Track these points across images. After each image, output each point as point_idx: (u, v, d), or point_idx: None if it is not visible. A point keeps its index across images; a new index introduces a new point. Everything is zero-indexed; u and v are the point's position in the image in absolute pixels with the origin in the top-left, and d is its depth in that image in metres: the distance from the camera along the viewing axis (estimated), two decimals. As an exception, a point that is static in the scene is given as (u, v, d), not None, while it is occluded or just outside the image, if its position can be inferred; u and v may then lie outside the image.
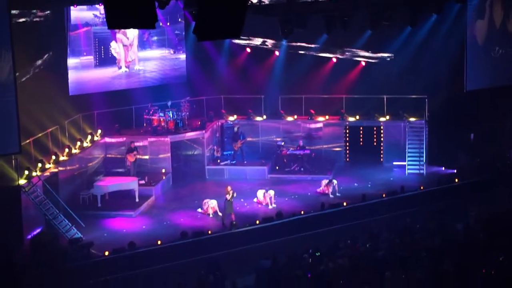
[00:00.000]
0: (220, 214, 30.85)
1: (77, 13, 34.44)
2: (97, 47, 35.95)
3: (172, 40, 38.91)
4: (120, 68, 37.01)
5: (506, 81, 37.77)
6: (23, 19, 31.40)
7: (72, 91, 34.79)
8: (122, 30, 35.83)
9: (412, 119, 37.61)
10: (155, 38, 38.27)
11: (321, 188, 33.70)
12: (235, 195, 30.54)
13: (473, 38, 36.36)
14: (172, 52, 39.00)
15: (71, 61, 34.71)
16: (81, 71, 35.32)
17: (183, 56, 39.30)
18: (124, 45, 36.98)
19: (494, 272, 21.55)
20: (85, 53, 35.41)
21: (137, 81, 37.97)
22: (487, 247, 24.08)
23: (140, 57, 37.83)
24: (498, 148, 36.19)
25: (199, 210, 31.60)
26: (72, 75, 34.76)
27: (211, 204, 31.11)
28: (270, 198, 31.98)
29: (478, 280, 21.00)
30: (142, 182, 33.62)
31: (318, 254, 25.28)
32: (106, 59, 36.48)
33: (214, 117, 39.06)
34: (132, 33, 37.06)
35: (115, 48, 36.63)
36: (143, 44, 37.93)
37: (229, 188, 30.43)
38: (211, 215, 30.97)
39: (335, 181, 33.52)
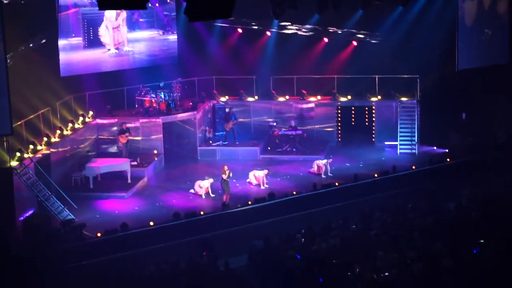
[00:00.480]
0: (212, 195, 30.88)
1: (67, -6, 34.33)
2: (86, 29, 35.80)
3: (161, 21, 38.79)
4: (109, 50, 36.87)
5: (497, 60, 37.83)
6: (13, 0, 31.20)
7: (63, 72, 34.66)
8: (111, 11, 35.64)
9: (403, 99, 37.63)
10: (144, 19, 38.11)
11: (313, 168, 33.74)
12: (231, 175, 30.60)
13: (464, 19, 36.42)
14: (161, 33, 38.88)
15: (61, 43, 34.53)
16: (70, 52, 35.18)
17: (172, 37, 39.19)
18: (113, 27, 36.79)
19: (485, 252, 21.60)
20: (73, 35, 35.27)
21: (126, 62, 37.86)
22: (480, 227, 24.15)
23: (129, 38, 37.70)
24: (490, 127, 36.23)
25: (191, 191, 31.62)
26: (62, 57, 34.61)
27: (204, 185, 31.11)
28: (263, 178, 31.98)
29: (471, 260, 21.04)
30: (134, 163, 33.61)
31: (309, 233, 25.35)
32: (95, 41, 36.36)
33: (206, 98, 39.00)
34: (121, 14, 36.87)
35: (103, 32, 36.44)
36: (132, 25, 37.79)
37: (225, 167, 30.48)
38: (203, 196, 30.97)
39: (324, 161, 33.50)
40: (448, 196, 29.14)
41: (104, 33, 36.52)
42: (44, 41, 33.59)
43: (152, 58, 38.74)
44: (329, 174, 33.14)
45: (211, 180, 31.21)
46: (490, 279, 19.47)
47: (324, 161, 33.50)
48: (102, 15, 36.16)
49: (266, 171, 32.19)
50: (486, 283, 19.34)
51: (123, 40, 37.33)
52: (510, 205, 26.48)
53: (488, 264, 20.60)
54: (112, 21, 36.72)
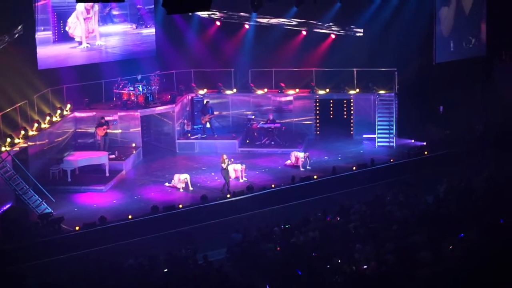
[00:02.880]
0: (191, 188, 30.88)
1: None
2: (56, 22, 35.56)
3: (135, 15, 38.62)
4: (80, 43, 36.70)
5: (474, 53, 38.07)
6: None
7: (41, 65, 34.50)
8: (83, 3, 35.35)
9: (381, 92, 37.74)
10: (116, 12, 37.90)
11: (289, 161, 33.78)
12: (230, 163, 30.70)
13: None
14: (134, 27, 38.75)
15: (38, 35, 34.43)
16: (42, 46, 34.98)
17: (146, 31, 39.05)
18: (84, 18, 36.57)
19: (465, 244, 21.73)
20: (43, 28, 35.00)
21: (98, 57, 37.65)
22: (458, 219, 24.28)
23: (102, 33, 37.53)
24: (467, 120, 36.41)
25: (167, 184, 31.60)
26: (39, 49, 34.49)
27: (182, 177, 31.07)
28: (241, 171, 32.00)
29: (449, 252, 21.16)
30: (112, 156, 33.52)
31: (287, 226, 25.43)
32: (65, 34, 36.18)
33: (184, 91, 38.93)
34: (93, 7, 36.63)
35: (73, 24, 36.21)
36: (104, 19, 37.60)
37: (224, 156, 30.66)
38: (181, 190, 30.95)
39: (302, 154, 33.54)
40: (426, 189, 29.27)
41: (74, 25, 36.20)
42: (21, 33, 33.37)
43: (126, 53, 38.57)
44: (307, 167, 33.15)
45: (187, 176, 31.24)
46: (468, 271, 19.58)
47: (302, 154, 33.51)
48: (73, 8, 35.89)
49: (244, 166, 32.17)
50: (464, 275, 19.45)
51: (94, 34, 37.09)
52: (487, 197, 26.64)
53: (465, 256, 20.73)
54: (83, 13, 36.45)
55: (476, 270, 19.41)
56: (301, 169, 33.01)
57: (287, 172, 32.68)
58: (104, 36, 37.60)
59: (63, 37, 36.03)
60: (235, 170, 32.00)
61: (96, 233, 26.75)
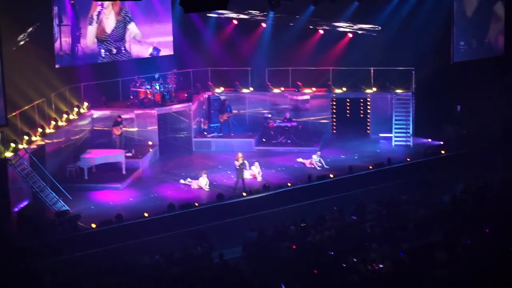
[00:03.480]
0: (207, 189, 30.85)
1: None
2: (77, 18, 35.67)
3: (156, 12, 38.60)
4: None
5: (491, 53, 37.92)
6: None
7: (58, 63, 34.63)
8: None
9: (398, 91, 37.64)
10: (138, 10, 37.95)
11: (301, 159, 33.72)
12: (245, 161, 30.73)
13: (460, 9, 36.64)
14: (156, 24, 38.73)
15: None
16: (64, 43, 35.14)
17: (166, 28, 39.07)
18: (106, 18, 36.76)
19: (480, 244, 21.69)
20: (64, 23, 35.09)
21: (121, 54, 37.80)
22: (474, 218, 24.21)
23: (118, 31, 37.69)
24: (484, 119, 36.27)
25: (182, 181, 31.66)
26: (57, 47, 34.60)
27: (202, 183, 30.99)
28: (258, 171, 31.97)
29: (464, 252, 21.11)
30: (129, 154, 33.58)
31: (303, 225, 25.42)
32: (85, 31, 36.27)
33: (201, 89, 38.97)
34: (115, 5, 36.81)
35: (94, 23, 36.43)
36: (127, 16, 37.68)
37: (239, 154, 30.64)
38: (196, 187, 31.01)
39: (315, 157, 33.43)
40: (442, 189, 29.18)
41: (95, 24, 36.37)
42: (39, 31, 33.46)
43: (147, 49, 38.58)
44: (325, 166, 33.05)
45: (205, 176, 31.22)
46: (484, 271, 19.53)
47: (316, 157, 33.39)
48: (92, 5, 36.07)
49: (257, 165, 32.12)
50: (480, 275, 19.40)
51: (114, 32, 37.23)
52: (504, 196, 26.54)
53: (481, 256, 20.67)
54: (106, 10, 36.60)
55: (491, 270, 19.37)
56: (318, 168, 32.88)
57: (303, 171, 32.66)
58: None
59: (80, 35, 36.09)
60: (252, 174, 31.89)
61: (112, 231, 26.82)
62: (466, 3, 37.61)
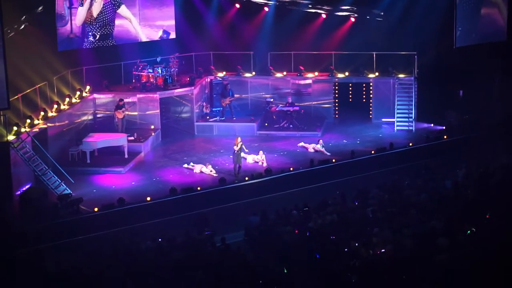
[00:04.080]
0: (215, 174, 30.84)
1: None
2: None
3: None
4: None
5: (494, 38, 37.81)
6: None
7: (61, 46, 34.59)
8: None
9: (401, 75, 37.58)
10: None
11: (306, 145, 33.69)
12: (243, 147, 30.76)
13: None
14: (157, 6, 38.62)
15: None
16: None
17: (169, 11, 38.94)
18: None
19: (482, 229, 21.68)
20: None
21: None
22: (476, 204, 24.20)
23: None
24: (487, 105, 36.25)
25: (185, 165, 31.68)
26: (59, 30, 34.58)
27: (206, 171, 31.02)
28: (262, 160, 31.93)
29: (466, 238, 21.12)
30: (131, 138, 33.61)
31: (306, 209, 25.43)
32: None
33: (203, 73, 38.92)
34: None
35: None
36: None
37: (238, 139, 30.67)
38: (198, 171, 31.04)
39: (319, 146, 33.43)
40: (444, 174, 29.18)
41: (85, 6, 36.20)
42: (41, 14, 33.44)
43: (147, 32, 38.44)
44: (327, 153, 32.97)
45: (210, 167, 31.25)
46: (485, 257, 19.54)
47: (319, 145, 33.36)
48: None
49: (262, 154, 32.14)
50: (481, 261, 19.40)
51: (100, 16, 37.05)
52: (506, 182, 26.53)
53: (483, 242, 20.67)
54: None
55: (492, 257, 19.37)
56: (327, 153, 32.89)
57: (306, 155, 32.68)
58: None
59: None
60: (255, 160, 31.91)
61: (115, 214, 26.90)
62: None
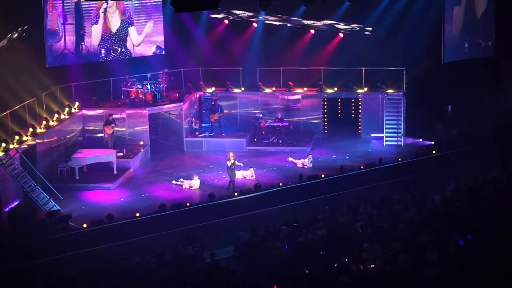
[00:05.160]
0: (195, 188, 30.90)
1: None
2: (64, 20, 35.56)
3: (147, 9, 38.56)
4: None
5: (482, 53, 38.03)
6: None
7: (49, 62, 34.58)
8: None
9: (390, 91, 37.62)
10: (132, 9, 37.88)
11: (292, 159, 33.70)
12: (236, 162, 30.77)
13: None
14: (148, 22, 38.63)
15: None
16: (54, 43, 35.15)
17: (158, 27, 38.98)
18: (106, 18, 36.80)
19: (471, 243, 21.73)
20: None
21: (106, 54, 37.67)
22: (465, 218, 24.26)
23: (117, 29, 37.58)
24: (475, 119, 36.37)
25: (174, 182, 31.64)
26: (48, 46, 34.59)
27: (195, 185, 30.99)
28: (251, 174, 31.93)
29: (456, 251, 21.15)
30: (120, 154, 33.54)
31: (296, 224, 25.44)
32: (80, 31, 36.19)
33: (192, 89, 38.94)
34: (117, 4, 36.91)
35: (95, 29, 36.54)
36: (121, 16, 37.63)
37: (231, 154, 30.69)
38: (187, 187, 31.02)
39: (307, 160, 33.46)
40: (433, 188, 29.25)
41: (101, 22, 36.53)
42: (30, 31, 33.44)
43: (139, 48, 38.52)
44: (310, 166, 33.07)
45: (197, 178, 31.24)
46: (475, 271, 19.57)
47: (307, 160, 33.39)
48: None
49: (252, 170, 32.16)
50: (471, 275, 19.43)
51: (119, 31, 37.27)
52: (494, 197, 26.62)
53: (473, 256, 20.71)
54: (111, 9, 36.75)
55: (483, 270, 19.40)
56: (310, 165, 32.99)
57: (295, 170, 32.65)
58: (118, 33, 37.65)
59: (85, 33, 36.20)
60: (244, 175, 31.90)
61: (104, 231, 26.79)
62: (476, 4, 37.81)
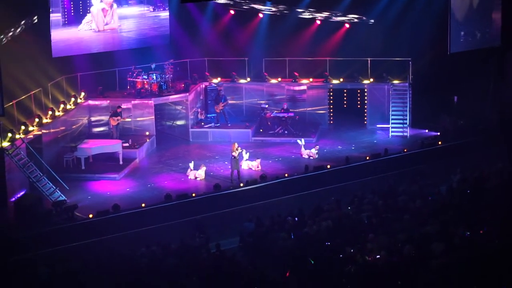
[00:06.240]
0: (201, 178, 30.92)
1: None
2: (72, 4, 35.60)
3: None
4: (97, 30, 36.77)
5: (488, 43, 37.90)
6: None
7: (55, 53, 34.56)
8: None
9: (395, 81, 37.58)
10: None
11: (303, 154, 33.68)
12: (240, 150, 30.74)
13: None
14: (151, 9, 38.56)
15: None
16: (61, 32, 35.11)
17: (164, 14, 38.79)
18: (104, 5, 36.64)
19: (477, 235, 21.73)
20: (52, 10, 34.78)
21: (112, 42, 37.62)
22: (471, 209, 24.25)
23: (118, 15, 37.40)
24: (481, 110, 36.30)
25: (191, 164, 31.68)
26: (54, 37, 34.53)
27: (201, 175, 31.01)
28: (257, 165, 31.93)
29: (461, 243, 21.16)
30: (126, 144, 33.56)
31: (301, 215, 25.48)
32: (77, 17, 36.06)
33: (198, 80, 38.91)
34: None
35: (95, 11, 36.34)
36: (119, 1, 37.49)
37: (235, 145, 30.58)
38: (192, 177, 31.04)
39: (313, 150, 33.47)
40: (439, 179, 29.23)
41: (96, 12, 36.32)
42: (35, 21, 33.45)
43: (142, 37, 38.41)
44: (315, 156, 33.10)
45: (204, 167, 31.26)
46: (481, 262, 19.57)
47: (314, 150, 33.39)
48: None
49: (258, 160, 32.17)
50: (476, 266, 19.44)
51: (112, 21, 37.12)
52: (500, 188, 26.59)
53: (479, 247, 20.71)
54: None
55: (488, 261, 19.40)
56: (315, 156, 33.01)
57: (301, 161, 32.66)
58: (120, 18, 37.33)
59: (75, 19, 35.94)
60: (250, 166, 31.90)
61: (109, 221, 26.83)
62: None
